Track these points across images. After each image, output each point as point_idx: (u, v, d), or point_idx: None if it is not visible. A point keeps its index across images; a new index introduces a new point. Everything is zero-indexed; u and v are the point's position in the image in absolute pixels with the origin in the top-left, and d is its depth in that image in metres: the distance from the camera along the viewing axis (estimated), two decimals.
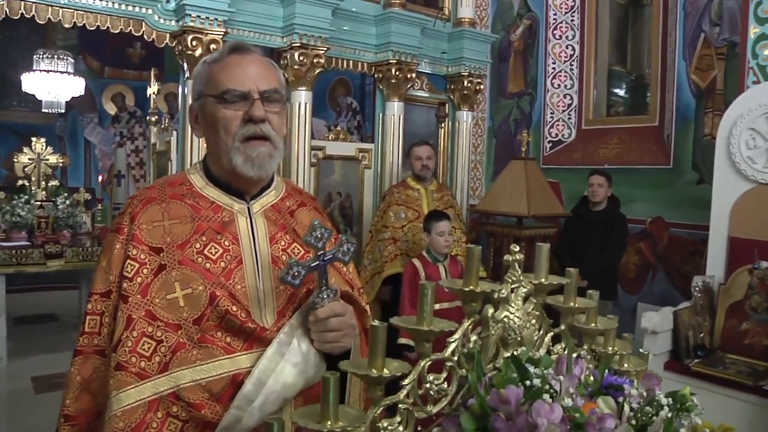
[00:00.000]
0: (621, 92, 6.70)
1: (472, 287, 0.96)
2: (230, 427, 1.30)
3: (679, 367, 3.88)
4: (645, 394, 1.01)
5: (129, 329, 1.32)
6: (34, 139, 7.02)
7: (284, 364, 1.33)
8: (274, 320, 1.41)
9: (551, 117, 6.58)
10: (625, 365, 1.31)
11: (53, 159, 7.05)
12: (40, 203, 6.48)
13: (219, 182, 1.49)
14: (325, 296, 1.34)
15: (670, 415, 0.96)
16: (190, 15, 4.11)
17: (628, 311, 5.62)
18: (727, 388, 3.66)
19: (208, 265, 1.39)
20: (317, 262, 1.31)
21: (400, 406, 0.91)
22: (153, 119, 5.95)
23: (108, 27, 4.12)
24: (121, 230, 1.41)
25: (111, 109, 9.85)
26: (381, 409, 0.89)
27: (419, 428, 0.96)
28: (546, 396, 0.86)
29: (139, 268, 1.36)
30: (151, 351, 1.32)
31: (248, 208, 1.49)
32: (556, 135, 6.57)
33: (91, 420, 1.39)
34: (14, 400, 4.94)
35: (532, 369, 0.93)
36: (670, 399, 0.99)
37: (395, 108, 5.23)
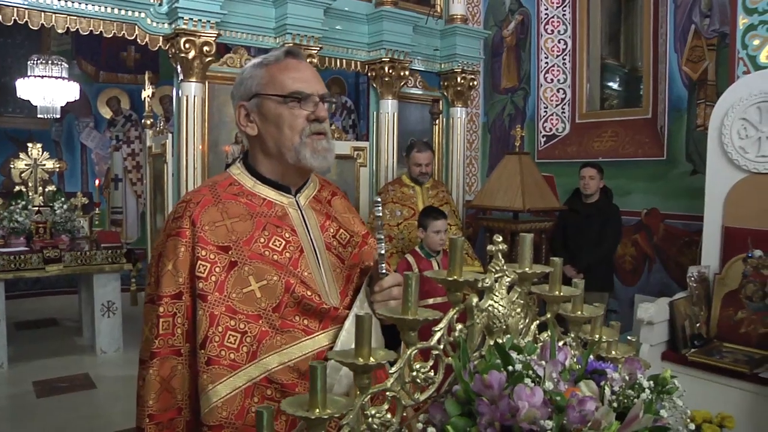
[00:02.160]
0: (614, 85, 6.72)
1: (455, 277, 0.98)
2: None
3: (676, 357, 3.90)
4: (627, 377, 1.03)
5: (214, 326, 1.42)
6: (30, 144, 7.03)
7: None
8: (338, 300, 1.55)
9: (545, 111, 6.60)
10: (613, 352, 1.33)
11: (50, 164, 7.07)
12: (37, 208, 6.50)
13: (265, 180, 1.61)
14: (383, 269, 1.48)
15: (651, 397, 0.98)
16: (183, 18, 4.13)
17: (626, 303, 5.65)
18: (724, 376, 3.68)
19: (275, 257, 1.50)
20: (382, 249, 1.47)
21: (387, 393, 0.93)
22: (148, 122, 5.97)
23: (101, 31, 4.14)
24: (183, 233, 1.48)
25: (107, 113, 9.84)
26: (369, 396, 0.91)
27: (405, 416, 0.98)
28: (528, 380, 0.88)
29: (211, 268, 1.45)
30: (238, 342, 1.42)
31: (296, 201, 1.62)
32: (551, 129, 6.59)
33: (173, 417, 1.46)
34: (15, 405, 4.97)
35: (515, 355, 0.95)
36: (651, 382, 1.02)
37: (389, 106, 5.25)
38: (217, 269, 1.45)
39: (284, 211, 1.58)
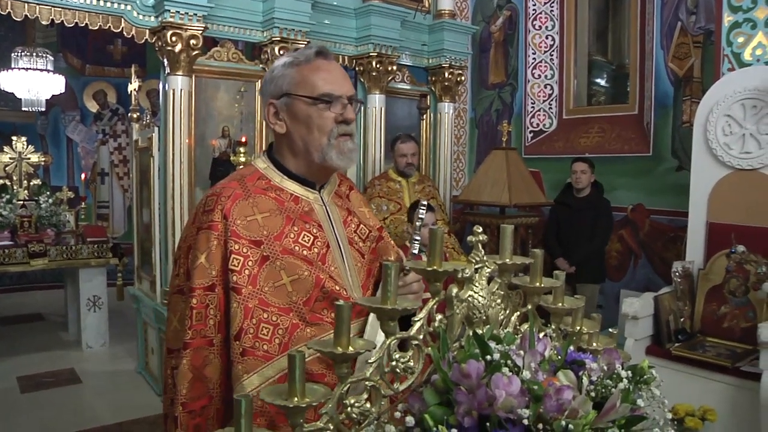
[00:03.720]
0: (602, 82, 6.75)
1: (435, 267, 0.98)
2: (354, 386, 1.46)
3: (660, 351, 3.93)
4: (606, 368, 1.04)
5: (249, 318, 1.46)
6: (14, 138, 6.96)
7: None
8: (360, 293, 1.62)
9: (532, 107, 6.62)
10: (594, 344, 1.34)
11: (35, 158, 7.01)
12: (22, 202, 6.44)
13: (292, 175, 1.64)
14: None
15: (629, 387, 0.99)
16: (169, 11, 4.10)
17: (612, 298, 5.69)
18: (707, 370, 3.73)
19: (305, 252, 1.54)
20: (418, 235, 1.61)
21: (366, 383, 0.94)
22: (135, 116, 5.93)
23: (87, 24, 4.10)
24: (215, 227, 1.52)
25: (93, 106, 9.77)
26: (348, 386, 0.91)
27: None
28: (506, 370, 0.89)
29: (245, 261, 1.49)
30: (270, 334, 1.48)
31: (321, 197, 1.66)
32: (538, 125, 6.61)
33: (205, 404, 1.50)
34: (0, 400, 4.93)
35: (494, 345, 0.96)
36: (629, 372, 1.03)
37: (377, 101, 5.25)
38: (250, 263, 1.49)
39: (310, 207, 1.62)
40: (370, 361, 0.93)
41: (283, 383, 1.37)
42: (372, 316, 1.52)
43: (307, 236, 1.57)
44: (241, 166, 3.61)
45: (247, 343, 1.45)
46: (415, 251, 1.55)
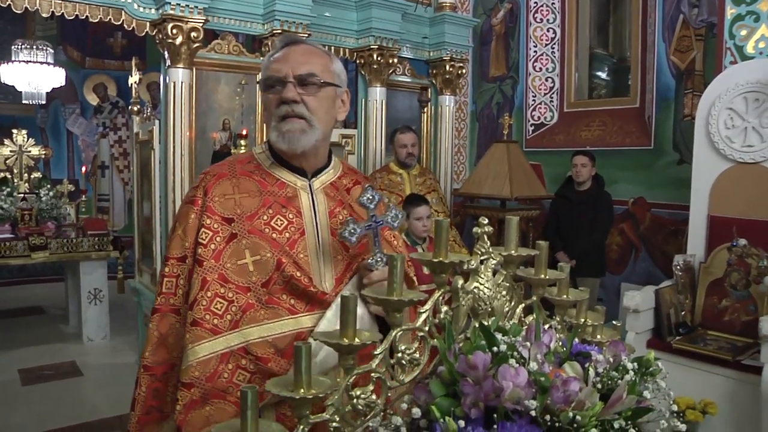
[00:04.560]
0: (603, 75, 6.73)
1: (441, 258, 0.98)
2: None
3: (661, 344, 3.93)
4: (612, 360, 1.04)
5: (204, 290, 1.48)
6: (15, 131, 6.96)
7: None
8: (333, 286, 1.57)
9: (533, 100, 6.60)
10: (598, 336, 1.34)
11: (35, 151, 7.01)
12: (23, 195, 6.44)
13: (283, 161, 1.64)
14: (378, 258, 1.51)
15: (635, 379, 0.99)
16: (170, 3, 4.08)
17: (612, 291, 5.69)
18: (708, 363, 3.73)
19: (274, 235, 1.54)
20: (370, 223, 1.49)
21: (372, 374, 0.93)
22: (135, 109, 5.92)
23: (87, 16, 4.08)
24: (196, 202, 1.58)
25: (93, 99, 9.75)
26: (354, 377, 0.91)
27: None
28: (512, 361, 0.89)
29: (213, 236, 1.52)
30: (223, 310, 1.48)
31: (310, 185, 1.64)
32: (539, 118, 6.59)
33: (166, 371, 1.55)
34: (1, 393, 4.94)
35: (500, 337, 0.96)
36: (635, 364, 1.02)
37: (377, 93, 5.23)
38: (218, 238, 1.52)
39: (295, 193, 1.61)
40: (376, 352, 0.93)
41: (226, 360, 1.44)
42: (330, 311, 1.50)
43: (281, 220, 1.56)
44: None
45: (197, 314, 1.47)
46: (376, 245, 1.51)
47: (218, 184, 1.59)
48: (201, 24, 4.23)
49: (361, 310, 1.49)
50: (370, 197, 1.49)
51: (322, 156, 1.67)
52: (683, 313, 4.12)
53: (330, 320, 1.48)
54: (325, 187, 1.67)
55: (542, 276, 1.18)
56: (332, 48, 5.10)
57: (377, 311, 1.50)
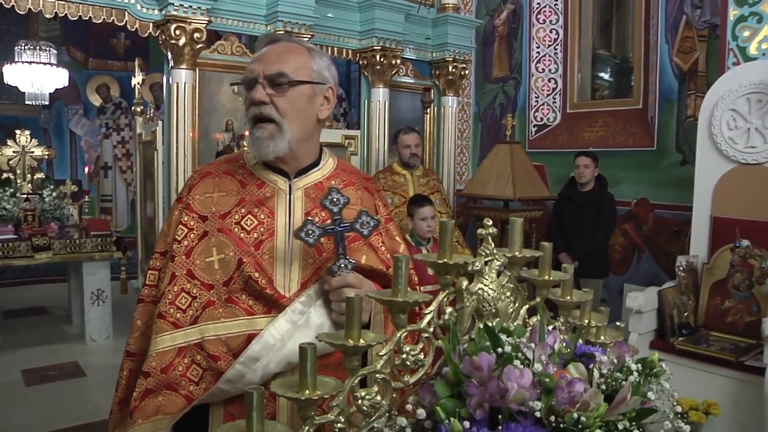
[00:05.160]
0: (606, 76, 6.73)
1: (445, 260, 0.98)
2: (235, 381, 1.44)
3: (664, 345, 3.93)
4: (616, 361, 1.04)
5: (171, 284, 1.52)
6: (18, 131, 6.97)
7: (294, 331, 1.45)
8: (295, 289, 1.53)
9: (536, 101, 6.60)
10: (602, 337, 1.34)
11: (38, 151, 7.01)
12: (26, 196, 6.45)
13: (266, 161, 1.61)
14: (342, 264, 1.44)
15: (639, 380, 0.99)
16: (173, 4, 4.09)
17: (615, 292, 5.69)
18: (710, 364, 3.72)
19: (242, 234, 1.54)
20: (332, 227, 1.43)
21: (377, 376, 0.93)
22: (138, 110, 5.94)
23: (90, 17, 4.10)
24: (181, 200, 1.62)
25: (96, 100, 9.78)
26: (358, 378, 0.91)
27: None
28: (517, 362, 0.89)
29: (188, 233, 1.56)
30: (187, 305, 1.51)
31: (290, 186, 1.61)
32: (541, 119, 6.60)
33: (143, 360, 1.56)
34: (4, 393, 4.94)
35: (505, 338, 0.96)
36: (639, 365, 1.02)
37: (380, 94, 5.24)
38: (192, 235, 1.55)
39: (273, 194, 1.59)
40: (381, 353, 0.93)
41: (183, 354, 1.46)
42: (282, 317, 1.46)
43: (252, 220, 1.55)
44: None
45: (162, 307, 1.50)
46: (340, 251, 1.44)
47: (201, 182, 1.62)
48: (204, 25, 4.24)
49: (321, 319, 1.48)
50: (335, 199, 1.42)
51: (304, 156, 1.61)
52: (686, 314, 4.11)
53: (279, 324, 1.46)
54: (307, 188, 1.61)
55: (546, 277, 1.18)
56: (335, 49, 5.11)
57: (338, 320, 1.48)
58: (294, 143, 1.54)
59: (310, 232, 1.41)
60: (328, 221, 1.45)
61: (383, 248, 1.65)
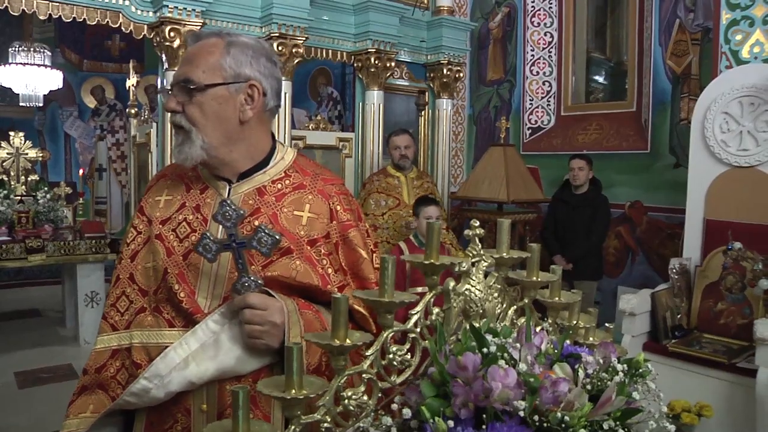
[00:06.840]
0: (600, 79, 6.75)
1: (432, 260, 0.99)
2: (140, 395, 1.38)
3: (657, 347, 3.94)
4: (601, 361, 1.05)
5: (115, 286, 1.53)
6: (12, 133, 6.94)
7: (200, 351, 1.38)
8: (207, 303, 1.45)
9: (530, 104, 6.62)
10: (590, 338, 1.34)
11: (32, 153, 6.98)
12: (20, 198, 6.43)
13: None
14: (245, 283, 1.34)
15: (624, 380, 0.99)
16: (168, 6, 4.09)
17: (609, 294, 5.70)
18: (703, 366, 3.73)
19: (174, 243, 1.49)
20: (228, 243, 1.33)
21: (363, 375, 0.94)
22: (133, 111, 5.93)
23: (85, 19, 4.09)
24: (140, 201, 1.61)
25: (91, 102, 9.76)
26: (345, 378, 0.92)
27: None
28: (502, 362, 0.89)
29: (136, 236, 1.55)
30: (125, 309, 1.51)
31: (229, 191, 1.51)
32: (536, 122, 6.62)
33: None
34: None
35: (490, 338, 0.96)
36: (625, 365, 1.03)
37: (375, 97, 5.25)
38: (139, 239, 1.55)
39: (212, 200, 1.50)
40: (367, 353, 0.94)
41: (115, 356, 1.48)
42: (189, 333, 1.38)
43: (185, 228, 1.49)
44: None
45: (105, 309, 1.53)
46: (242, 268, 1.34)
47: (156, 185, 1.60)
48: (199, 27, 4.24)
49: (229, 337, 1.38)
50: (227, 214, 1.30)
51: (238, 160, 1.50)
52: (679, 316, 4.13)
53: (185, 341, 1.37)
54: (247, 194, 1.50)
55: (534, 278, 1.18)
56: (330, 51, 5.11)
57: (247, 342, 1.37)
58: (213, 149, 1.44)
59: (207, 247, 1.32)
60: (280, 228, 1.40)
61: (326, 261, 1.50)
